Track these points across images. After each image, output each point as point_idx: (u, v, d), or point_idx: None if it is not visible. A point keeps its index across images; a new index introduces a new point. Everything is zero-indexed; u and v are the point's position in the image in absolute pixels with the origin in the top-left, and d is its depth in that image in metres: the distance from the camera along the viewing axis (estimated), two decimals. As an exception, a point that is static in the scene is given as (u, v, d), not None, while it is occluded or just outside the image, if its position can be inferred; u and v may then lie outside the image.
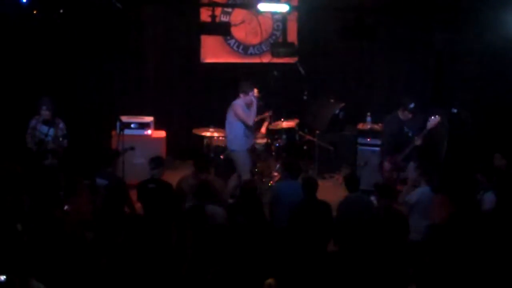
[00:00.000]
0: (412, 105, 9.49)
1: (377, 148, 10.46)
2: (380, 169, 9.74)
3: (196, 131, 10.73)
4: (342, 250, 7.63)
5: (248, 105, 9.69)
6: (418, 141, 9.38)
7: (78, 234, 7.40)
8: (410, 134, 9.52)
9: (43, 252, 6.86)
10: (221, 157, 10.31)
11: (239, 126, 9.67)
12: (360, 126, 11.18)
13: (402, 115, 9.56)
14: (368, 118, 11.14)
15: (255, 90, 10.73)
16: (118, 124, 9.89)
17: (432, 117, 9.38)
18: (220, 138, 10.70)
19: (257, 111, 10.83)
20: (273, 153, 10.67)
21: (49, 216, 7.55)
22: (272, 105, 10.95)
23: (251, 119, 9.70)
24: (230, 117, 9.74)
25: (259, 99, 10.76)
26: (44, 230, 7.26)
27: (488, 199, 7.93)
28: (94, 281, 7.13)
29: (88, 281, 7.06)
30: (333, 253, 7.67)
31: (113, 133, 10.58)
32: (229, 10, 11.63)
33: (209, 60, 11.87)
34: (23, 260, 6.07)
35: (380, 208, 7.80)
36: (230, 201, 8.38)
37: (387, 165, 9.58)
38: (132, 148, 9.42)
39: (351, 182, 8.00)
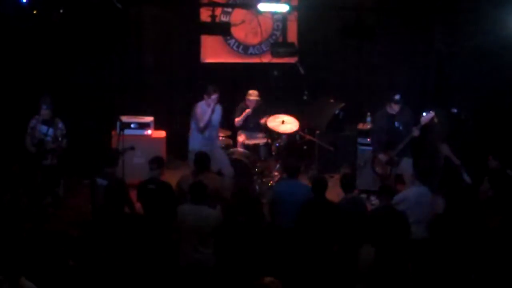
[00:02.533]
0: (397, 97, 9.50)
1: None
2: (372, 165, 9.73)
3: (196, 131, 10.73)
4: (340, 250, 7.62)
5: (209, 107, 9.61)
6: (415, 132, 9.37)
7: (66, 232, 7.41)
8: (401, 128, 9.52)
9: (38, 251, 6.86)
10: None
11: (194, 126, 9.71)
12: (360, 126, 11.17)
13: (390, 109, 9.57)
14: (368, 118, 11.14)
15: (256, 92, 10.76)
16: (118, 124, 9.89)
17: (425, 113, 9.39)
18: (220, 138, 10.70)
19: (258, 112, 10.89)
20: (273, 153, 10.67)
21: (44, 215, 7.57)
22: (272, 105, 10.95)
23: (204, 121, 9.56)
24: (192, 119, 9.77)
25: (258, 101, 10.80)
26: (40, 229, 7.27)
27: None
28: (93, 280, 7.14)
29: (87, 281, 7.07)
30: (336, 253, 7.68)
31: (113, 133, 10.58)
32: (229, 10, 11.64)
33: (209, 60, 11.87)
34: (14, 259, 6.06)
35: (380, 207, 7.80)
36: None
37: (383, 157, 9.56)
38: (132, 148, 9.42)
39: (346, 183, 7.98)
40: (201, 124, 9.62)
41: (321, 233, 7.43)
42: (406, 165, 9.44)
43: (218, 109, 9.73)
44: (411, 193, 8.07)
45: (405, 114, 9.59)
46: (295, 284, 7.12)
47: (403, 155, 9.48)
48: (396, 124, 9.55)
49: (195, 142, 9.66)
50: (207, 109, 9.62)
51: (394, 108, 9.54)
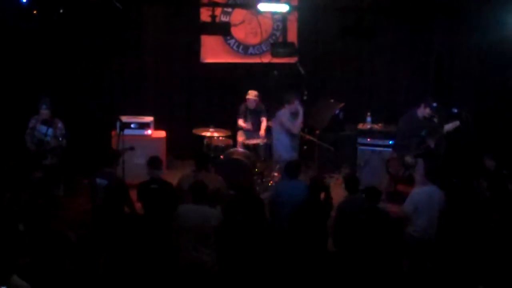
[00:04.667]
0: (435, 105, 9.53)
1: (377, 148, 10.46)
2: (387, 164, 9.74)
3: (196, 131, 10.74)
4: (341, 251, 7.62)
5: (294, 114, 9.81)
6: (431, 144, 9.41)
7: (64, 233, 7.38)
8: (423, 134, 9.54)
9: (35, 251, 6.85)
10: (221, 157, 10.32)
11: (284, 137, 9.81)
12: (360, 126, 11.17)
13: (422, 112, 9.56)
14: (368, 118, 11.14)
15: (254, 92, 10.78)
16: (118, 124, 9.88)
17: (448, 122, 9.43)
18: (220, 138, 10.71)
19: (258, 113, 10.92)
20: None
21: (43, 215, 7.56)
22: (272, 105, 10.95)
23: (296, 127, 9.83)
24: (276, 128, 9.90)
25: (257, 101, 10.81)
26: (41, 229, 7.27)
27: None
28: (93, 281, 7.14)
29: (87, 281, 7.07)
30: (333, 254, 7.68)
31: (113, 133, 10.58)
32: (229, 10, 11.64)
33: (209, 60, 11.87)
34: (5, 256, 6.05)
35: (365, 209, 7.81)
36: None
37: (396, 161, 9.60)
38: (132, 148, 9.42)
39: (351, 183, 7.99)
40: (296, 131, 9.83)
41: (313, 232, 7.43)
42: (419, 166, 9.45)
43: (302, 111, 9.90)
44: (423, 192, 8.05)
45: (431, 122, 9.58)
46: (292, 284, 7.14)
47: (417, 156, 9.51)
48: (423, 132, 9.54)
49: (287, 153, 9.75)
50: (291, 117, 9.77)
51: (427, 113, 9.53)
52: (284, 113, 9.85)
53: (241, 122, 10.96)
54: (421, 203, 7.86)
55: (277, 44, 11.09)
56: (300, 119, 9.86)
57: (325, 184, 8.00)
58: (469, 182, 8.97)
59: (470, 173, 9.51)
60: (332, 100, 11.53)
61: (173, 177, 8.85)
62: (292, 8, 10.63)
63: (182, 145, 11.62)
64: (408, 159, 9.55)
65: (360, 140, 10.94)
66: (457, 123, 9.45)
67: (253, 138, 10.84)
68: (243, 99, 10.94)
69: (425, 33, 11.46)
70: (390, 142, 10.36)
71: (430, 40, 11.49)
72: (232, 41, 11.89)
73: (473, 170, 9.45)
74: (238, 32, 11.78)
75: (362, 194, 8.52)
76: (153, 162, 8.16)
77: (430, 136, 9.48)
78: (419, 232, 7.76)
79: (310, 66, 11.47)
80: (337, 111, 11.40)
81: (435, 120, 9.62)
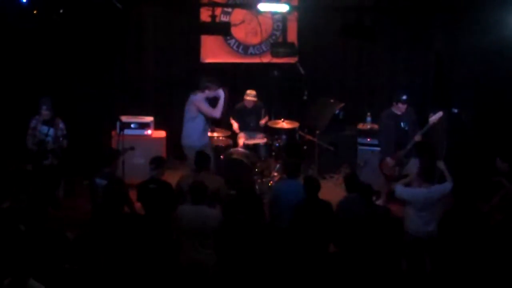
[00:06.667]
0: (404, 97, 9.52)
1: (377, 148, 10.46)
2: (380, 166, 9.74)
3: (196, 131, 10.73)
4: (341, 251, 7.62)
5: (210, 100, 9.58)
6: (418, 137, 9.40)
7: (61, 233, 7.39)
8: (406, 129, 9.54)
9: (40, 252, 6.86)
10: (221, 157, 10.32)
11: (199, 121, 9.54)
12: (360, 126, 11.18)
13: (397, 109, 9.59)
14: (368, 118, 11.15)
15: (253, 92, 10.78)
16: (118, 124, 9.90)
17: (432, 114, 9.40)
18: (220, 138, 10.72)
19: (258, 113, 10.93)
20: (273, 153, 10.67)
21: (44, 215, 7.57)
22: (272, 105, 10.97)
23: (219, 112, 9.52)
24: (190, 113, 9.59)
25: (256, 101, 10.82)
26: (41, 230, 7.28)
27: None
28: (93, 281, 7.14)
29: (87, 281, 7.07)
30: (333, 254, 7.68)
31: (113, 133, 10.59)
32: (229, 10, 11.64)
33: (209, 60, 11.87)
34: (22, 259, 6.06)
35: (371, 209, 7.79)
36: None
37: (390, 160, 9.57)
38: (132, 148, 9.42)
39: (351, 182, 7.99)
40: (219, 115, 9.55)
41: (314, 233, 7.43)
42: (413, 166, 9.45)
43: (223, 97, 9.61)
44: (419, 192, 8.01)
45: (410, 114, 9.62)
46: (293, 285, 7.13)
47: (410, 156, 9.50)
48: (402, 124, 9.58)
49: (197, 139, 9.54)
50: (206, 101, 9.53)
51: (400, 108, 9.56)
52: (200, 97, 9.56)
53: (232, 122, 11.00)
54: (414, 200, 7.82)
55: (277, 44, 11.09)
56: (221, 104, 9.49)
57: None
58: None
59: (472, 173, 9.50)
60: (332, 100, 11.53)
61: (173, 177, 8.85)
62: (292, 8, 10.64)
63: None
64: (389, 160, 9.58)
65: (360, 140, 10.95)
66: (440, 113, 9.41)
67: (253, 138, 10.85)
68: (243, 99, 10.95)
69: (425, 33, 11.46)
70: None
71: (430, 39, 11.49)
72: (232, 41, 11.89)
73: (474, 170, 9.44)
74: (238, 32, 11.78)
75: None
76: (152, 162, 8.17)
77: (415, 130, 9.48)
78: (412, 230, 7.72)
79: (310, 66, 11.48)
80: (337, 111, 11.40)
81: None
